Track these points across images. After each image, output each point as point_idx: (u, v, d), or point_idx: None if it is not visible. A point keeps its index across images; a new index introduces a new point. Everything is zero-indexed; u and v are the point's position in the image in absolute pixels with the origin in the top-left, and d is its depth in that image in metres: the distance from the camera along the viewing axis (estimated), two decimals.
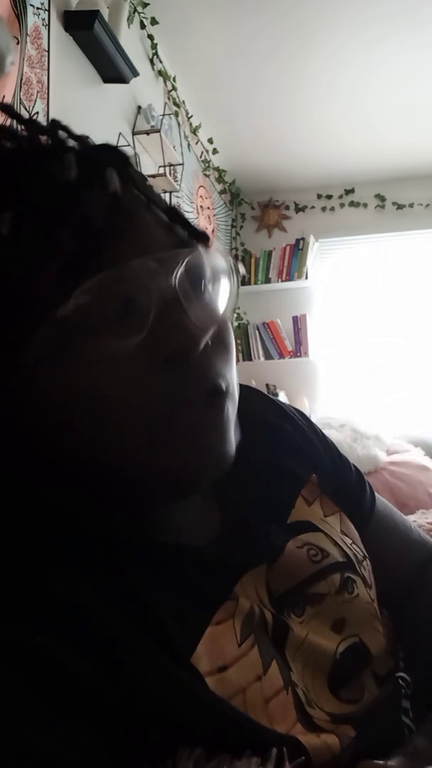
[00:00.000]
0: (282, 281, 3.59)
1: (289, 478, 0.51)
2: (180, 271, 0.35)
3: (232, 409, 0.39)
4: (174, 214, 0.39)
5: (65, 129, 0.40)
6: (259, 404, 0.56)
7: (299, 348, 3.53)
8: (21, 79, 1.56)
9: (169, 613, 0.36)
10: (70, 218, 0.34)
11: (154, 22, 2.28)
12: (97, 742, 0.29)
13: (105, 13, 1.84)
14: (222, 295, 0.39)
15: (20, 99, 1.56)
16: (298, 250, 3.60)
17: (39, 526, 0.35)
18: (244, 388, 0.55)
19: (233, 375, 0.40)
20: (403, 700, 0.43)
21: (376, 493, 0.59)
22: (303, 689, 0.39)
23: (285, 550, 0.45)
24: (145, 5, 2.24)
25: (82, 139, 0.40)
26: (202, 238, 0.40)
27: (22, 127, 0.40)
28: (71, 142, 0.39)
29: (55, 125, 0.40)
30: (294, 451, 0.53)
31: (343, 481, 0.56)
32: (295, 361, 3.51)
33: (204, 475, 0.38)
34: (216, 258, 0.39)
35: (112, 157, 0.38)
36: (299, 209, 3.80)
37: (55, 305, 0.33)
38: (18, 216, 0.33)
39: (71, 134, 0.40)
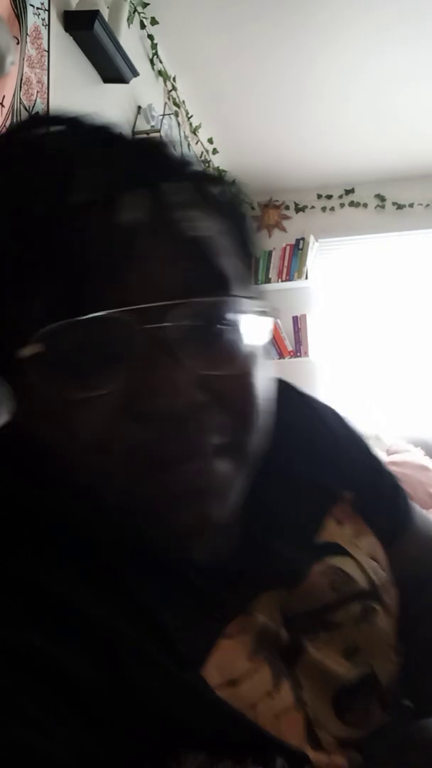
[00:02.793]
0: (282, 281, 3.58)
1: (321, 494, 0.48)
2: (170, 321, 0.31)
3: (233, 466, 0.35)
4: (204, 246, 0.34)
5: (98, 130, 0.36)
6: (296, 403, 0.52)
7: (299, 348, 3.53)
8: (21, 79, 1.56)
9: (179, 620, 0.35)
10: (66, 250, 0.31)
11: (154, 22, 2.28)
12: (98, 743, 0.29)
13: (105, 13, 1.84)
14: (241, 343, 0.35)
15: (20, 99, 1.56)
16: (298, 250, 3.60)
17: (39, 527, 0.35)
18: (280, 384, 0.50)
19: (247, 426, 0.35)
20: (408, 727, 0.42)
21: (414, 505, 0.55)
22: (311, 709, 0.38)
23: (309, 574, 0.42)
24: (145, 5, 2.23)
25: (119, 142, 0.36)
26: (230, 277, 0.35)
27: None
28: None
29: (82, 122, 0.36)
30: (328, 461, 0.49)
31: (376, 492, 0.52)
32: (295, 361, 3.51)
33: (186, 534, 0.34)
34: (239, 303, 0.35)
35: (142, 168, 0.34)
36: (299, 209, 3.79)
37: (22, 340, 0.31)
38: (27, 228, 0.32)
39: (108, 134, 0.36)
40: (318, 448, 0.50)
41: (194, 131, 2.97)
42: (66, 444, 0.33)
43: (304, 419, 0.51)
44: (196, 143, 3.07)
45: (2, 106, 1.47)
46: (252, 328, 0.36)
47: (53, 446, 0.33)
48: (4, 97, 1.48)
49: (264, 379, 0.37)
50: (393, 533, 0.51)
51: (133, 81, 2.09)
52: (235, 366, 0.35)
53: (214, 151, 3.25)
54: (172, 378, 0.31)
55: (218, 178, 0.39)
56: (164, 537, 0.35)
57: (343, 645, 0.42)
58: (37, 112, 0.39)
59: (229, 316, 0.35)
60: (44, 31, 1.67)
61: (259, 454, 0.37)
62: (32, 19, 1.61)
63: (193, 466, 0.33)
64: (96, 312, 0.31)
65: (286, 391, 0.52)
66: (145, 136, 0.38)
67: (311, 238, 3.58)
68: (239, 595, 0.39)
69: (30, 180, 0.33)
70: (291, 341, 3.55)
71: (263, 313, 0.36)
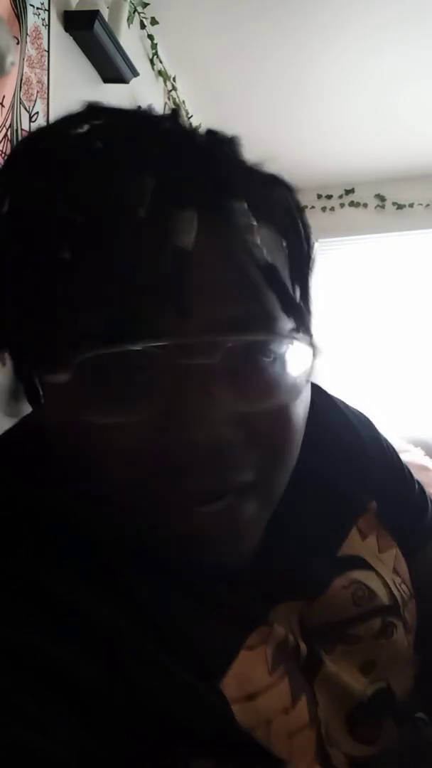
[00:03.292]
0: None
1: (346, 505, 0.46)
2: (214, 357, 0.30)
3: (260, 504, 0.34)
4: (270, 276, 0.32)
5: (161, 124, 0.33)
6: (322, 408, 0.49)
7: None
8: (21, 79, 1.56)
9: (188, 627, 0.35)
10: (120, 268, 0.29)
11: (154, 22, 2.28)
12: (98, 743, 0.29)
13: (105, 13, 1.84)
14: (284, 377, 0.34)
15: (20, 99, 1.55)
16: None
17: (40, 527, 0.35)
18: (312, 386, 0.51)
19: (280, 462, 0.34)
20: (422, 742, 0.42)
21: None
22: (325, 726, 0.38)
23: (329, 587, 0.42)
24: (145, 5, 2.23)
25: (180, 144, 0.32)
26: (293, 310, 0.33)
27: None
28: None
29: (149, 115, 0.33)
30: (354, 469, 0.48)
31: (402, 500, 0.51)
32: None
33: (208, 566, 0.34)
34: (289, 337, 0.33)
35: (212, 180, 0.31)
36: None
37: (64, 358, 0.30)
38: (72, 250, 0.30)
39: (169, 133, 0.33)
40: (347, 455, 0.49)
41: None
42: (84, 463, 0.32)
43: (337, 426, 0.50)
44: None
45: (2, 106, 1.47)
46: (294, 360, 0.34)
47: (75, 459, 0.33)
48: (4, 97, 1.47)
49: (301, 412, 0.35)
50: (416, 542, 0.50)
51: (133, 81, 2.09)
52: (272, 401, 0.33)
53: None
54: (204, 415, 0.30)
55: (286, 183, 0.37)
56: (183, 558, 0.34)
57: (361, 659, 0.42)
58: (92, 104, 0.32)
59: (277, 351, 0.34)
60: (44, 31, 1.67)
61: (285, 486, 0.36)
62: (32, 19, 1.61)
63: (220, 507, 0.32)
64: (136, 342, 0.30)
65: (320, 394, 0.51)
66: (214, 130, 0.35)
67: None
68: (260, 605, 0.39)
69: (81, 190, 0.30)
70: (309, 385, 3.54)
71: (308, 343, 0.34)
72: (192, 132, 0.34)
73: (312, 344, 0.34)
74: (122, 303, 0.30)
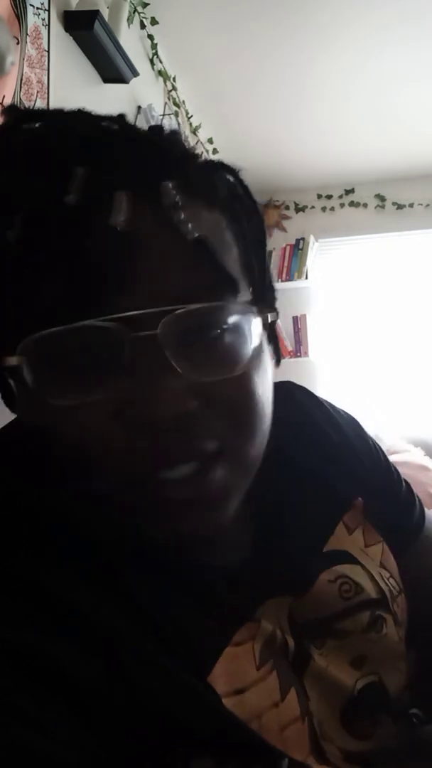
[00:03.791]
0: (282, 281, 3.58)
1: (331, 500, 0.47)
2: (163, 329, 0.31)
3: (230, 472, 0.34)
4: (203, 249, 0.33)
5: (92, 122, 0.34)
6: (307, 408, 0.51)
7: (299, 348, 3.53)
8: (21, 79, 1.56)
9: (186, 625, 0.35)
10: (60, 253, 0.30)
11: (154, 22, 2.28)
12: (98, 743, 0.29)
13: (105, 13, 1.84)
14: (238, 346, 0.34)
15: (20, 99, 1.56)
16: (298, 250, 3.60)
17: (40, 527, 0.35)
18: (291, 388, 0.52)
19: (245, 430, 0.35)
20: (417, 738, 0.42)
21: (427, 510, 0.55)
22: (317, 720, 0.38)
23: (316, 582, 0.42)
24: (145, 5, 2.23)
25: (118, 137, 0.34)
26: (231, 282, 0.34)
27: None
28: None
29: (86, 116, 0.35)
30: (340, 466, 0.49)
31: (390, 497, 0.52)
32: (295, 361, 3.50)
33: (187, 542, 0.34)
34: (237, 307, 0.34)
35: (144, 166, 0.33)
36: (299, 209, 3.79)
37: (13, 345, 0.31)
38: (22, 229, 0.31)
39: (99, 128, 0.34)
40: (334, 453, 0.49)
41: (194, 131, 2.97)
42: (60, 446, 0.33)
43: (323, 425, 0.51)
44: (196, 143, 3.06)
45: (2, 105, 1.47)
46: (249, 330, 0.35)
47: (51, 446, 0.33)
48: (4, 97, 1.48)
49: (262, 381, 0.36)
50: (405, 541, 0.51)
51: (133, 81, 2.09)
52: (230, 370, 0.34)
53: (214, 151, 3.25)
54: (163, 387, 0.31)
55: (229, 167, 0.38)
56: (164, 540, 0.34)
57: (351, 654, 0.42)
58: (14, 106, 0.36)
59: (226, 319, 0.34)
60: (44, 31, 1.67)
61: (259, 458, 0.37)
62: (32, 19, 1.61)
63: (186, 471, 0.33)
64: (88, 319, 0.30)
65: (304, 395, 0.52)
66: (153, 125, 0.36)
67: (311, 238, 3.58)
68: (247, 601, 0.39)
69: (25, 180, 0.32)
70: (291, 341, 3.55)
71: (263, 313, 0.36)
72: (130, 127, 0.35)
73: (262, 315, 0.35)
74: (66, 284, 0.30)
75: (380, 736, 0.41)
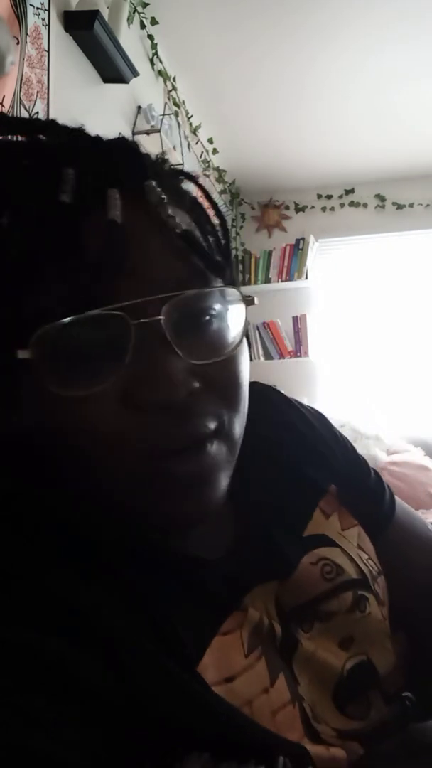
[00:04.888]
0: (282, 281, 3.58)
1: (307, 489, 0.49)
2: (164, 315, 0.32)
3: (223, 450, 0.36)
4: (190, 240, 0.35)
5: (75, 131, 0.37)
6: (279, 405, 0.54)
7: (299, 348, 3.53)
8: (21, 79, 1.56)
9: (175, 619, 0.35)
10: (58, 248, 0.32)
11: (154, 22, 2.28)
12: (100, 743, 0.29)
13: (105, 13, 1.84)
14: (226, 331, 0.37)
15: (20, 99, 1.56)
16: (298, 250, 3.60)
17: (40, 527, 0.35)
18: (264, 388, 0.54)
19: (234, 411, 0.37)
20: (410, 720, 0.42)
21: (397, 498, 0.56)
22: (309, 703, 0.39)
23: (299, 566, 0.44)
24: (145, 5, 2.23)
25: (93, 144, 0.37)
26: (218, 269, 0.37)
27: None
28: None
29: (57, 126, 0.37)
30: (313, 458, 0.51)
31: (360, 486, 0.54)
32: (295, 361, 3.51)
33: (186, 522, 0.36)
34: (224, 293, 0.37)
35: (125, 170, 0.35)
36: (299, 209, 3.79)
37: (22, 339, 0.31)
38: (19, 228, 0.32)
39: (81, 136, 0.37)
40: (307, 446, 0.52)
41: (194, 131, 2.97)
42: (68, 439, 0.33)
43: (294, 421, 0.53)
44: (196, 143, 3.07)
45: (2, 106, 1.47)
46: (234, 316, 0.37)
47: (56, 442, 0.34)
48: (4, 97, 1.48)
49: (245, 364, 0.38)
50: (379, 524, 0.52)
51: (133, 81, 2.09)
52: (222, 353, 0.36)
53: (214, 151, 3.25)
54: (169, 369, 0.32)
55: (189, 174, 0.41)
56: (163, 526, 0.36)
57: (338, 635, 0.43)
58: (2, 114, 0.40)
59: (215, 305, 0.36)
60: (44, 31, 1.67)
61: (242, 437, 0.39)
62: (32, 19, 1.61)
63: (192, 453, 0.34)
64: (92, 310, 0.31)
65: (274, 394, 0.55)
66: (112, 138, 0.39)
67: (311, 238, 3.58)
68: (234, 590, 0.40)
69: (18, 180, 0.33)
70: (291, 341, 3.55)
71: (244, 301, 0.38)
72: (98, 138, 0.38)
73: (245, 300, 0.38)
74: (66, 278, 0.32)
75: (374, 716, 0.42)
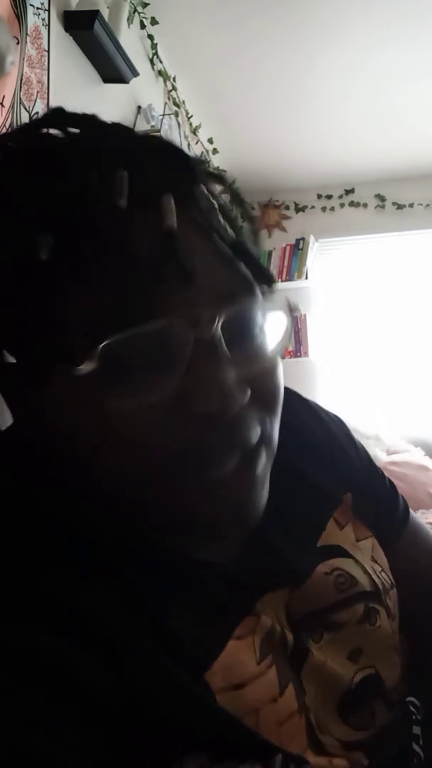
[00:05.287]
0: (282, 281, 3.58)
1: (322, 498, 0.48)
2: (219, 325, 0.32)
3: (267, 458, 0.36)
4: (240, 249, 0.35)
5: (125, 130, 0.36)
6: (297, 408, 0.52)
7: (299, 348, 3.53)
8: (21, 79, 1.56)
9: (176, 619, 0.35)
10: (112, 255, 0.31)
11: (154, 22, 2.28)
12: (100, 743, 0.29)
13: (105, 13, 1.84)
14: (273, 337, 0.36)
15: (20, 99, 1.56)
16: (298, 250, 3.60)
17: (40, 527, 0.35)
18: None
19: (275, 417, 0.37)
20: (413, 726, 0.42)
21: (410, 509, 0.56)
22: (314, 714, 0.39)
23: (312, 575, 0.43)
24: (145, 5, 2.23)
25: (145, 144, 0.35)
26: (266, 278, 0.37)
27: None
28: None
29: (117, 128, 0.36)
30: (329, 465, 0.50)
31: (376, 496, 0.53)
32: (295, 361, 3.51)
33: (225, 532, 0.36)
34: (273, 301, 0.37)
35: (176, 173, 0.34)
36: (299, 209, 3.79)
37: (81, 348, 0.30)
38: (57, 241, 0.31)
39: (132, 136, 0.35)
40: (322, 452, 0.51)
41: (194, 131, 2.97)
42: (116, 449, 0.32)
43: (311, 425, 0.52)
44: (196, 143, 3.07)
45: (2, 106, 1.47)
46: (277, 324, 0.37)
47: (95, 451, 0.33)
48: (4, 97, 1.48)
49: (282, 371, 0.38)
50: (391, 537, 0.52)
51: (133, 81, 2.09)
52: (267, 362, 0.36)
53: (214, 151, 3.25)
54: (224, 380, 0.32)
55: (221, 177, 0.40)
56: (203, 528, 0.35)
57: (348, 647, 0.43)
58: (57, 109, 0.36)
59: (265, 313, 0.36)
60: (44, 31, 1.67)
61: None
62: (32, 19, 1.61)
63: (234, 462, 0.34)
64: (148, 320, 0.31)
65: (292, 396, 0.53)
66: (155, 134, 0.38)
67: (311, 238, 3.58)
68: (245, 596, 0.39)
69: (75, 182, 0.32)
70: (291, 341, 3.55)
71: (290, 308, 0.37)
72: (139, 135, 0.37)
73: (289, 308, 0.37)
74: (126, 288, 0.31)
75: (377, 726, 0.42)
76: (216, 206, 0.35)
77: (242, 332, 0.35)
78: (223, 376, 0.32)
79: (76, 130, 0.35)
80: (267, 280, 0.36)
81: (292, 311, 0.37)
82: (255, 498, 0.35)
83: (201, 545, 0.39)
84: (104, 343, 0.30)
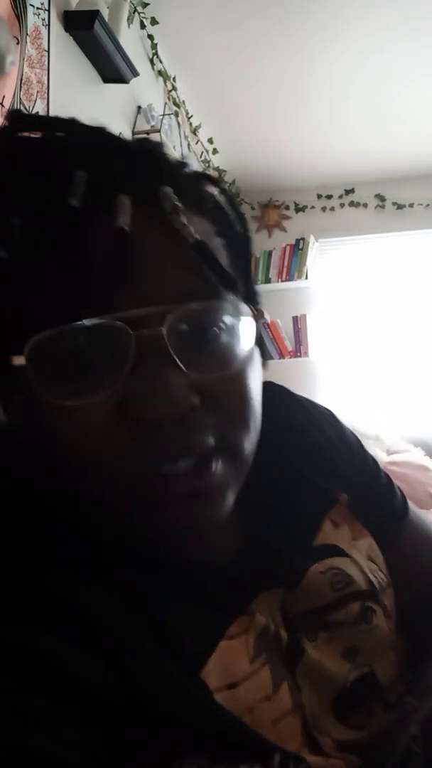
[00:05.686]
0: (282, 281, 3.58)
1: (318, 497, 0.48)
2: (166, 327, 0.31)
3: (227, 467, 0.35)
4: (202, 251, 0.34)
5: (100, 132, 0.36)
6: (289, 407, 0.52)
7: (299, 348, 3.53)
8: (21, 79, 1.56)
9: (180, 622, 0.35)
10: (64, 255, 0.31)
11: (154, 22, 2.28)
12: (100, 743, 0.29)
13: (105, 13, 1.84)
14: (235, 345, 0.35)
15: (20, 99, 1.56)
16: (298, 250, 3.60)
17: (40, 527, 0.35)
18: (274, 387, 0.52)
19: (240, 426, 0.35)
20: (411, 726, 0.42)
21: (409, 502, 0.55)
22: (310, 713, 0.39)
23: (307, 574, 0.43)
24: (145, 5, 2.23)
25: (112, 146, 0.35)
26: (228, 283, 0.35)
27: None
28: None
29: (77, 125, 0.36)
30: (323, 464, 0.50)
31: (371, 492, 0.52)
32: (295, 362, 3.51)
33: (181, 536, 0.35)
34: (233, 307, 0.35)
35: (140, 173, 0.34)
36: (299, 209, 3.79)
37: (13, 346, 0.31)
38: (24, 230, 0.31)
39: (101, 136, 0.36)
40: (315, 450, 0.50)
41: (194, 131, 2.97)
42: (62, 448, 0.33)
43: (302, 422, 0.52)
44: (196, 143, 3.07)
45: (2, 106, 1.47)
46: (244, 330, 0.36)
47: (51, 448, 0.33)
48: (4, 97, 1.48)
49: (255, 380, 0.37)
50: (390, 534, 0.51)
51: (133, 81, 2.09)
52: (227, 368, 0.35)
53: (214, 151, 3.25)
54: (168, 384, 0.31)
55: (214, 178, 0.40)
56: (162, 538, 0.35)
57: (343, 645, 0.43)
58: (19, 111, 0.39)
59: (224, 318, 0.35)
60: (44, 31, 1.67)
61: (252, 454, 0.37)
62: (32, 19, 1.61)
63: (188, 467, 0.33)
64: (92, 318, 0.31)
65: (283, 394, 0.53)
66: (142, 136, 0.37)
67: (311, 238, 3.58)
68: (240, 595, 0.39)
69: (26, 182, 0.32)
70: (291, 341, 3.55)
71: (256, 315, 0.37)
72: (118, 138, 0.37)
73: (254, 315, 0.36)
74: (69, 284, 0.31)
75: (374, 725, 0.41)
76: (181, 208, 0.33)
77: (197, 337, 0.34)
78: (167, 380, 0.31)
79: (38, 133, 0.36)
80: (228, 285, 0.35)
81: (258, 318, 0.36)
82: (210, 506, 0.34)
83: (188, 546, 0.39)
84: (33, 339, 0.30)
